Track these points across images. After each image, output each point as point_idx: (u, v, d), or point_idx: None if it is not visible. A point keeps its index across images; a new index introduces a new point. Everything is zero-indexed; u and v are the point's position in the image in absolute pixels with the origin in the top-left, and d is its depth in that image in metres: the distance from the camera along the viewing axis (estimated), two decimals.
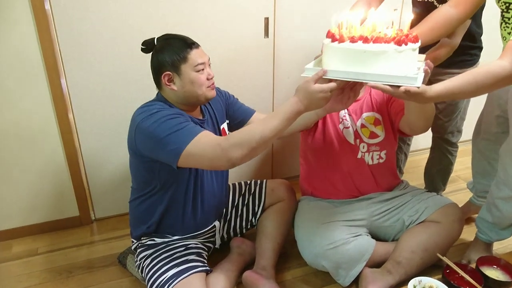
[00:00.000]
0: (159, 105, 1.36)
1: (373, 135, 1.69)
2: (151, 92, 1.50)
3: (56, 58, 1.73)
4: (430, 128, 2.02)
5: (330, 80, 1.21)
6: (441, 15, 1.44)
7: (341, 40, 1.22)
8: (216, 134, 1.54)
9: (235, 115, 1.65)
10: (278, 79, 2.16)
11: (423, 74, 1.22)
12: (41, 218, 1.98)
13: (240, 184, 1.82)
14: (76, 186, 1.98)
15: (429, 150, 2.13)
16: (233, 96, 1.69)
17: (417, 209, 1.65)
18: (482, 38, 1.79)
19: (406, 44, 1.17)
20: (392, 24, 1.30)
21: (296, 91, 1.22)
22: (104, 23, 1.75)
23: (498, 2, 1.36)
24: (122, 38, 1.79)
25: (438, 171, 2.11)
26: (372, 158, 1.70)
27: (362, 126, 1.69)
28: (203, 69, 1.37)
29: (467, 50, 1.76)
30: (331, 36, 1.26)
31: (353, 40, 1.21)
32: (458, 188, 2.35)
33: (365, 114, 1.69)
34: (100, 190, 2.04)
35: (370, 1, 1.71)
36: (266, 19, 2.01)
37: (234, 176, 1.77)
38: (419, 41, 1.24)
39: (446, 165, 2.07)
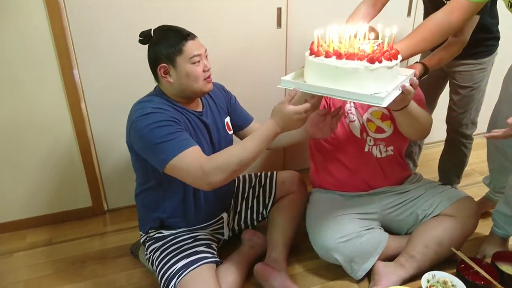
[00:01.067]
0: (155, 103, 1.35)
1: (379, 129, 1.66)
2: None
3: (68, 47, 1.74)
4: (445, 120, 1.99)
5: (306, 100, 1.24)
6: (435, 23, 1.38)
7: (318, 54, 1.22)
8: (217, 125, 1.54)
9: (235, 118, 1.65)
10: (290, 71, 2.14)
11: (398, 92, 1.21)
12: (55, 208, 2.01)
13: (250, 176, 1.81)
14: (89, 177, 1.99)
15: (444, 142, 2.10)
16: (236, 98, 1.68)
17: (431, 203, 1.63)
18: (500, 26, 1.74)
19: (380, 62, 1.16)
20: (367, 37, 1.29)
21: (272, 112, 1.26)
22: (116, 12, 1.74)
23: (510, 7, 1.31)
24: (134, 28, 1.76)
25: (452, 164, 2.08)
26: (380, 151, 1.67)
27: (368, 120, 1.66)
28: (199, 61, 1.36)
29: (482, 42, 1.72)
30: (311, 48, 1.26)
31: (327, 55, 1.20)
32: (474, 182, 2.31)
33: (372, 108, 1.66)
34: (113, 181, 2.06)
35: (375, 1, 1.67)
36: (279, 9, 1.98)
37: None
38: (398, 58, 1.22)
39: (461, 158, 2.04)
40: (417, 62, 1.65)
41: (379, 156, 1.67)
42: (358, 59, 1.16)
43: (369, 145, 1.66)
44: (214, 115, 1.54)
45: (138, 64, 1.84)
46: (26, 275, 1.69)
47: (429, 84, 1.93)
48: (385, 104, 1.13)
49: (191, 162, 1.25)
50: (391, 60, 1.18)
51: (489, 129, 1.78)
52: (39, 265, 1.75)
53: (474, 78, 1.80)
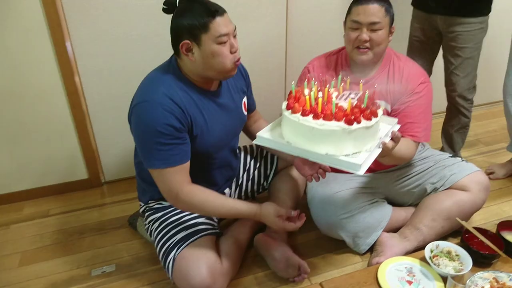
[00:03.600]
0: (167, 86, 1.24)
1: None
2: (162, 52, 1.41)
3: (59, 16, 1.65)
4: (445, 86, 1.97)
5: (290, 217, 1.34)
6: None
7: (294, 110, 1.17)
8: (234, 104, 1.45)
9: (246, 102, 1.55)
10: (291, 36, 2.06)
11: (378, 151, 1.15)
12: (52, 180, 1.97)
13: (251, 146, 1.77)
14: (84, 149, 1.95)
15: (445, 112, 2.07)
16: (250, 81, 1.58)
17: (441, 176, 1.58)
18: None
19: (358, 123, 1.10)
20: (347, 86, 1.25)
21: (265, 204, 1.35)
22: None
23: None
24: None
25: (456, 130, 2.07)
26: None
27: None
28: (226, 42, 1.22)
29: None
30: (288, 101, 1.21)
31: (304, 113, 1.15)
32: (478, 152, 2.29)
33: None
34: (110, 153, 2.02)
35: None
36: None
37: (247, 139, 1.71)
38: (379, 114, 1.17)
39: (464, 122, 2.03)
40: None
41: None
42: (335, 119, 1.11)
43: None
44: (231, 94, 1.44)
45: (134, 33, 1.77)
46: (23, 247, 1.67)
47: (425, 50, 1.96)
48: (361, 172, 1.09)
49: (171, 182, 1.26)
50: (370, 119, 1.12)
51: (505, 94, 1.80)
52: (37, 237, 1.73)
53: (475, 38, 1.80)
